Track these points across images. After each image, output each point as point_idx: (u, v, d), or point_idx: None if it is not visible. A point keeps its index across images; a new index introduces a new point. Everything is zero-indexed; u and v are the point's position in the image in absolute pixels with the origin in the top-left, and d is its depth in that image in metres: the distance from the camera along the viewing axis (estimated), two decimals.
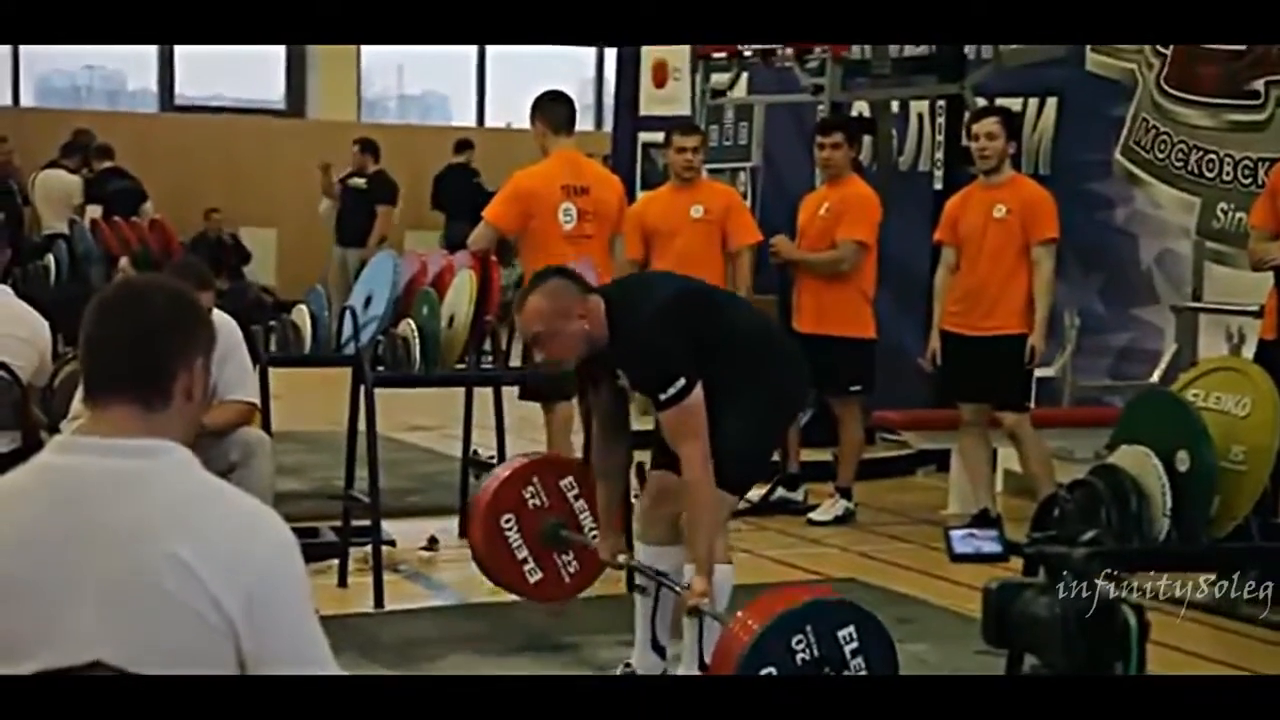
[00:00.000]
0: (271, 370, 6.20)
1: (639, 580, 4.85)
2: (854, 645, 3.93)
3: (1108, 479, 4.24)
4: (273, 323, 6.43)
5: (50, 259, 8.58)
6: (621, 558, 4.92)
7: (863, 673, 3.93)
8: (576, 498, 5.25)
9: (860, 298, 7.38)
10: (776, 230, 7.71)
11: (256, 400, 5.82)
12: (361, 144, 12.96)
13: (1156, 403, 4.73)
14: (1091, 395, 7.84)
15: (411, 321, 5.92)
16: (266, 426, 5.98)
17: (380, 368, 5.87)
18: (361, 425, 5.89)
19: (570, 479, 5.27)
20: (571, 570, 5.27)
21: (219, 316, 5.63)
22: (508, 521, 5.19)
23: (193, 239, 13.16)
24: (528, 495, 5.21)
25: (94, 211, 12.00)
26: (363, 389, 5.82)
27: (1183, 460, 4.25)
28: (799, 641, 3.90)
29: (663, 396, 4.41)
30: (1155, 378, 7.23)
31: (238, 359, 5.68)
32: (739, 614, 4.07)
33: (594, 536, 5.12)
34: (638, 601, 4.80)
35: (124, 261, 6.97)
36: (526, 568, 5.22)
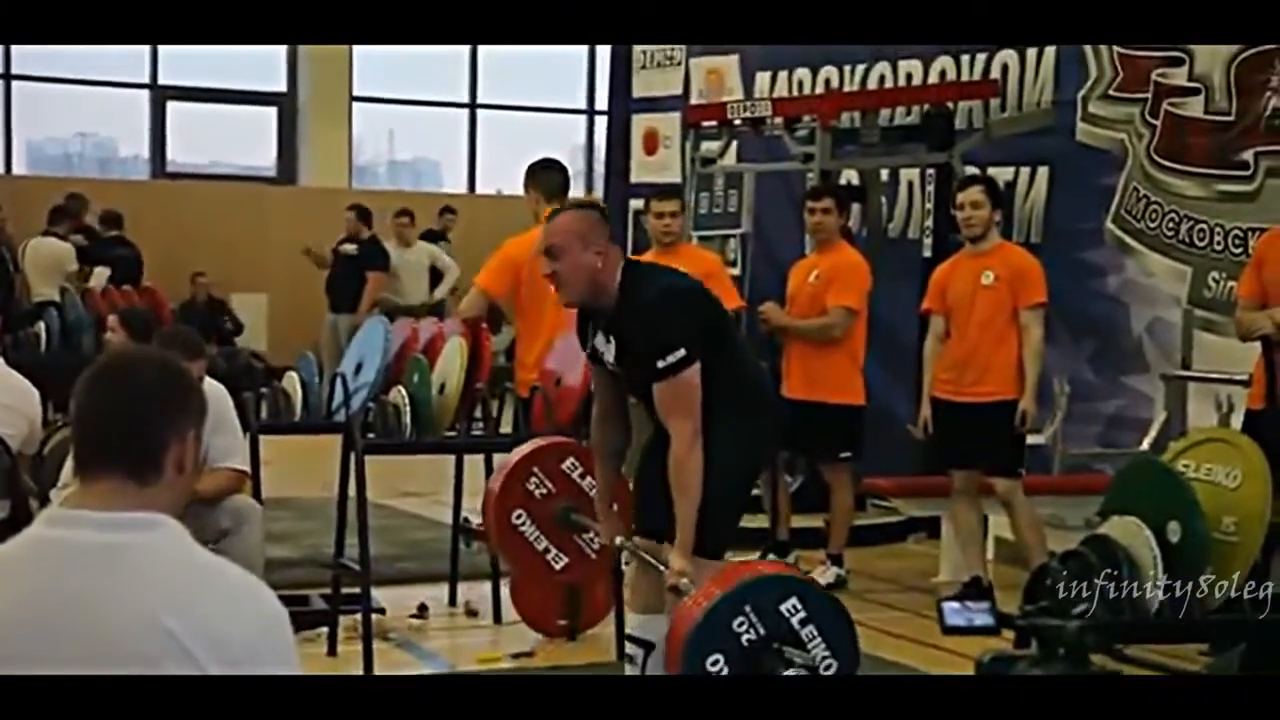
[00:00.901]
0: (262, 437, 6.19)
1: (627, 649, 4.81)
2: (801, 615, 3.86)
3: (1099, 550, 4.24)
4: (263, 389, 6.44)
5: (41, 326, 8.58)
6: (619, 540, 4.83)
7: (818, 642, 3.86)
8: (582, 476, 5.17)
9: (850, 364, 7.39)
10: (767, 296, 7.73)
11: (247, 468, 5.82)
12: (357, 210, 12.99)
13: (1148, 473, 4.73)
14: (1082, 463, 7.84)
15: (403, 388, 5.92)
16: (257, 493, 5.97)
17: (371, 435, 5.87)
18: (352, 492, 5.88)
19: (572, 459, 5.20)
20: (595, 547, 5.16)
21: (209, 384, 5.64)
22: (519, 517, 5.13)
23: (182, 305, 13.16)
24: (532, 486, 5.15)
25: (101, 276, 12.05)
26: (353, 456, 5.81)
27: (1174, 531, 4.25)
28: (740, 624, 3.84)
29: (660, 364, 4.30)
30: (1145, 445, 7.23)
31: (228, 427, 5.68)
32: (677, 610, 4.03)
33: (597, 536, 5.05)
34: (626, 668, 4.77)
35: (113, 320, 6.97)
36: (549, 556, 5.16)
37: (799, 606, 3.87)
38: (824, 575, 7.34)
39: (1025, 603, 4.03)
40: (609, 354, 4.56)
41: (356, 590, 5.91)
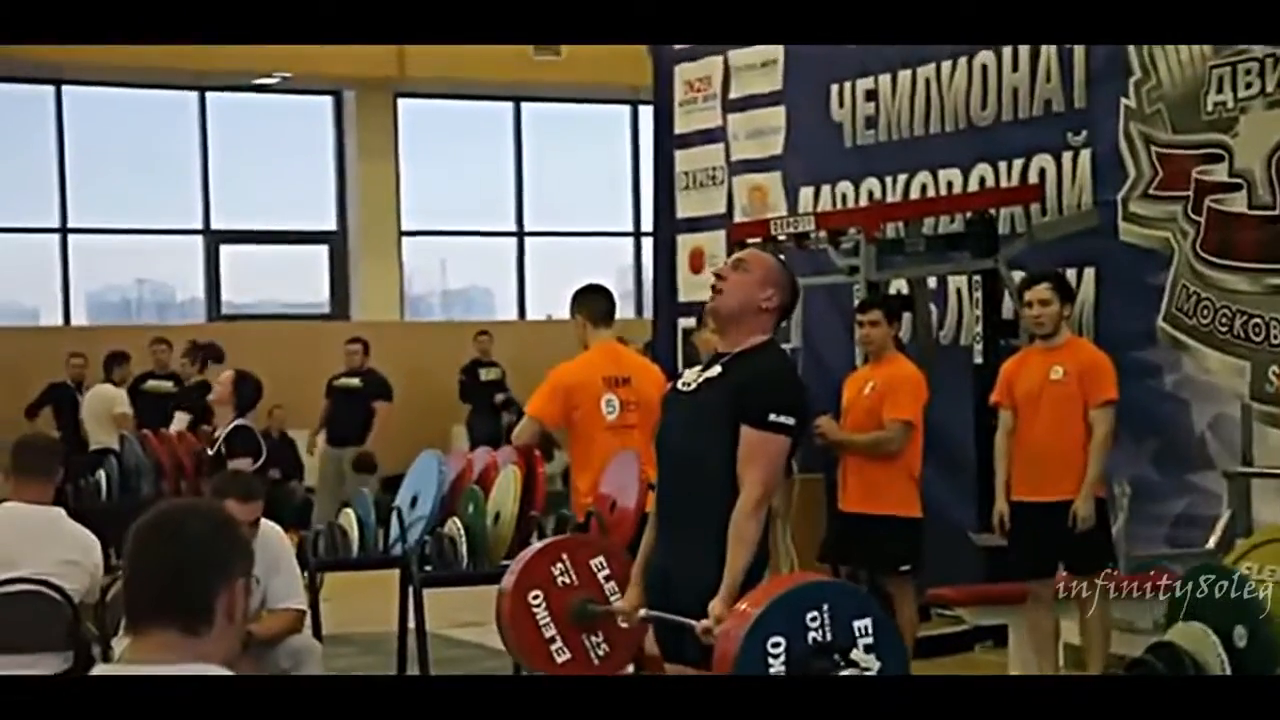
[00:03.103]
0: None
1: None
2: (869, 640, 3.79)
3: (1166, 657, 4.18)
4: (319, 527, 6.47)
5: (101, 474, 8.66)
6: (643, 612, 4.69)
7: (873, 672, 3.77)
8: (607, 579, 5.07)
9: (906, 477, 7.35)
10: (820, 410, 7.71)
11: (304, 607, 5.82)
12: (361, 344, 13.01)
13: (1211, 577, 4.67)
14: (1149, 564, 7.73)
15: (458, 520, 5.94)
16: (317, 631, 5.97)
17: (428, 567, 5.88)
18: (411, 625, 5.87)
19: (601, 559, 5.10)
20: (601, 653, 5.06)
21: (267, 525, 5.68)
22: (536, 598, 5.01)
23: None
24: (556, 572, 5.04)
25: (181, 421, 11.99)
26: (412, 589, 5.82)
27: (1240, 636, 4.19)
28: (814, 619, 3.77)
29: (773, 417, 4.25)
30: (1211, 544, 7.13)
31: (286, 567, 5.70)
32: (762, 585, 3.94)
33: (624, 623, 4.91)
34: None
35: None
36: (554, 647, 5.02)
37: (869, 630, 3.81)
38: None
39: None
40: (691, 376, 4.53)
41: None
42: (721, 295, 4.47)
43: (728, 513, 4.27)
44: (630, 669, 5.63)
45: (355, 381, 12.68)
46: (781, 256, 4.73)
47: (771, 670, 3.77)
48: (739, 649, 3.79)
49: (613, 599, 5.06)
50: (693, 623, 4.27)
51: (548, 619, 5.05)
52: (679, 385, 4.59)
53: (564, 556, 5.11)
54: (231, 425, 7.51)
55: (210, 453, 7.60)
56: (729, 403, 4.36)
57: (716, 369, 4.46)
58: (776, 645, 3.76)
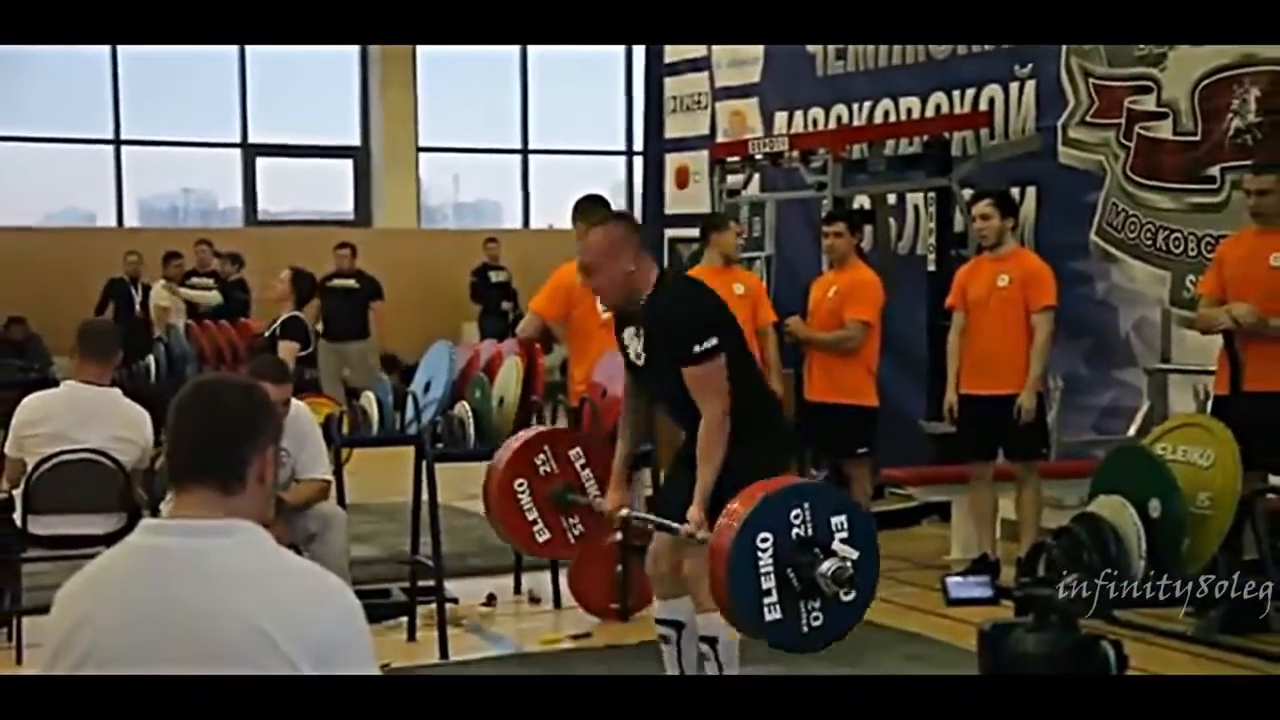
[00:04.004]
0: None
1: (659, 631, 4.79)
2: (845, 535, 3.83)
3: (1089, 526, 4.22)
4: (343, 408, 6.49)
5: (150, 359, 8.67)
6: (624, 511, 4.77)
7: (848, 566, 3.81)
8: (583, 467, 5.16)
9: (864, 370, 7.37)
10: (791, 311, 7.72)
11: (330, 477, 5.86)
12: (350, 248, 12.92)
13: (1130, 457, 4.71)
14: (1077, 449, 7.79)
15: (466, 403, 5.96)
16: (341, 500, 6.01)
17: (440, 445, 5.90)
18: (425, 496, 5.91)
19: (578, 449, 5.18)
20: (576, 532, 5.17)
21: (297, 406, 5.70)
22: (520, 485, 5.11)
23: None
24: (539, 461, 5.12)
25: (209, 299, 12.18)
26: (425, 464, 5.84)
27: (1155, 508, 4.23)
28: (796, 515, 3.80)
29: (696, 349, 4.27)
30: (1132, 432, 7.18)
31: (313, 442, 5.73)
32: (745, 491, 3.93)
33: (598, 500, 5.02)
34: (664, 651, 4.77)
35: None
36: (535, 528, 5.12)
37: (846, 525, 3.84)
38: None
39: (1021, 575, 4.01)
40: (635, 348, 4.52)
41: (431, 583, 5.94)
42: (605, 297, 4.55)
43: (740, 431, 4.29)
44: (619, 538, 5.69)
45: (351, 282, 12.58)
46: (629, 216, 4.69)
47: (760, 562, 3.80)
48: (732, 542, 3.82)
49: (588, 484, 5.12)
50: (678, 526, 4.33)
51: (530, 503, 5.11)
52: (631, 357, 4.57)
53: (546, 448, 5.15)
54: (289, 315, 7.55)
55: (265, 336, 7.64)
56: (662, 355, 4.38)
57: (640, 337, 4.47)
58: (765, 540, 3.80)
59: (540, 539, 5.15)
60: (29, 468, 5.68)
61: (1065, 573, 3.92)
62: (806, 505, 3.81)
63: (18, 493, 5.75)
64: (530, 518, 5.13)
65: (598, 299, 4.55)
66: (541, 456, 5.14)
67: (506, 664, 5.78)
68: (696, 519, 4.27)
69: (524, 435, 5.25)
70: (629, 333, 4.55)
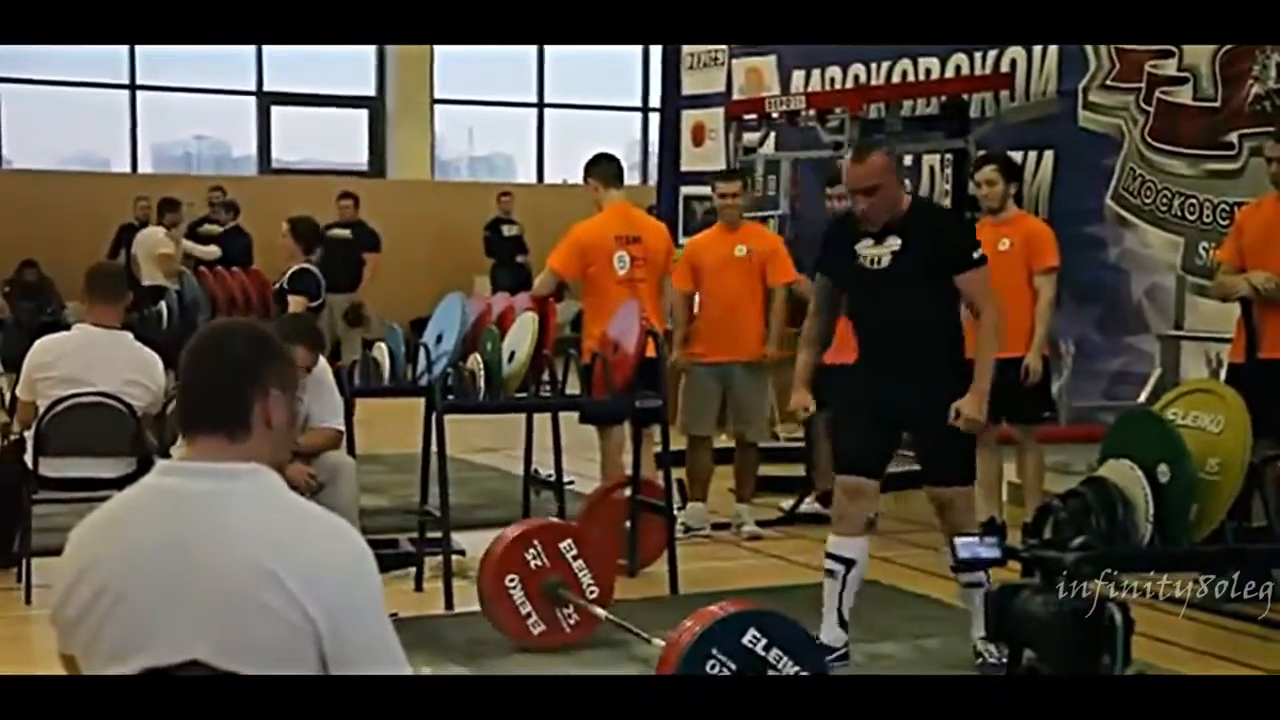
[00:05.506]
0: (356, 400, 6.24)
1: (828, 565, 5.03)
2: (764, 643, 3.85)
3: (1096, 489, 4.22)
4: (355, 359, 6.50)
5: (163, 306, 8.68)
6: (810, 407, 5.24)
7: (785, 660, 3.84)
8: (575, 558, 5.23)
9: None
10: (804, 271, 7.70)
11: (342, 427, 5.88)
12: (352, 198, 12.86)
13: (1140, 421, 4.71)
14: (1087, 414, 7.79)
15: (478, 356, 5.96)
16: (351, 450, 6.03)
17: (450, 397, 5.91)
18: (434, 448, 5.93)
19: (569, 541, 5.25)
20: (572, 622, 5.22)
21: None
22: (512, 581, 5.17)
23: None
24: (529, 557, 5.19)
25: (211, 253, 12.18)
26: (434, 416, 5.86)
27: (1164, 472, 4.22)
28: (713, 666, 3.83)
29: (975, 255, 4.90)
30: (1143, 398, 7.17)
31: (326, 392, 5.76)
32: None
33: (592, 595, 5.15)
34: (826, 584, 5.03)
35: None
36: (529, 621, 5.19)
37: (759, 635, 3.87)
38: None
39: (1027, 537, 4.02)
40: (875, 255, 4.93)
41: (439, 534, 5.96)
42: (877, 213, 4.90)
43: (943, 350, 4.89)
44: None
45: (346, 233, 12.45)
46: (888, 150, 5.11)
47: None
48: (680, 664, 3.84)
49: (580, 574, 5.17)
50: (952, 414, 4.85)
51: (523, 598, 5.15)
52: (865, 264, 4.95)
53: (535, 543, 5.18)
54: (299, 267, 7.55)
55: (276, 289, 7.65)
56: (924, 262, 4.85)
57: (894, 241, 4.89)
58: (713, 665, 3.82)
59: (535, 631, 5.20)
60: (40, 410, 5.71)
61: (1072, 535, 3.93)
62: (715, 651, 3.83)
63: (29, 435, 5.78)
64: (524, 612, 5.18)
65: (863, 213, 4.92)
66: (532, 551, 5.19)
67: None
68: (979, 408, 4.82)
69: (512, 532, 5.28)
70: (865, 244, 4.95)
